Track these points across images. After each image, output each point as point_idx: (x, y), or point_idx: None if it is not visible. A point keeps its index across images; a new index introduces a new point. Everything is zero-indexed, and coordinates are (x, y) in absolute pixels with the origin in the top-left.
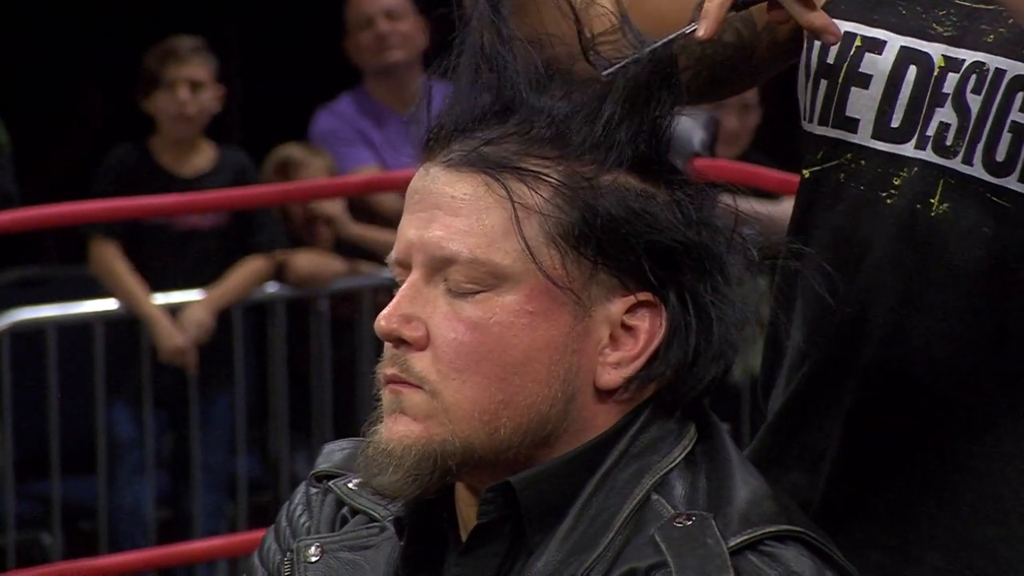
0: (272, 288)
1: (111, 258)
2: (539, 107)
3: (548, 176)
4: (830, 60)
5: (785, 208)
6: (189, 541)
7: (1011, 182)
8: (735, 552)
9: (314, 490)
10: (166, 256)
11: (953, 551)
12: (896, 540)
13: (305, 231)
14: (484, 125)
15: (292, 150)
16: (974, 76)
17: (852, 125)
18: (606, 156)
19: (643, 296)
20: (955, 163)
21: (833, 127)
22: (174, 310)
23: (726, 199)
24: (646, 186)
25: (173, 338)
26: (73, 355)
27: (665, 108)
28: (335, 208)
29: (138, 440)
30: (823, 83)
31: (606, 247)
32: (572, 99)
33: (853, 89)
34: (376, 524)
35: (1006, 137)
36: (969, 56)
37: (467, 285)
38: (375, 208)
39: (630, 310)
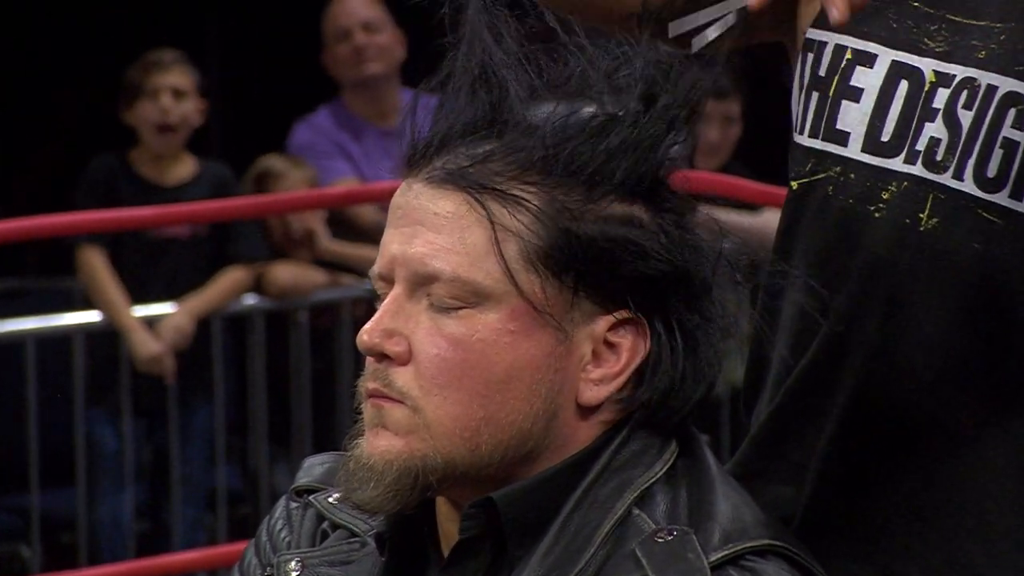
0: (252, 300)
1: (97, 266)
2: (531, 129)
3: (529, 202)
4: (822, 72)
5: (766, 219)
6: (169, 553)
7: (1002, 198)
8: (716, 567)
9: (294, 504)
10: (145, 266)
11: (935, 568)
12: (878, 555)
13: (285, 243)
14: (470, 142)
15: (273, 161)
16: (965, 92)
17: (842, 138)
18: (596, 189)
19: (625, 315)
20: (945, 178)
21: (823, 139)
22: (151, 322)
23: (707, 212)
24: (630, 210)
25: (149, 346)
26: (52, 367)
27: (675, 148)
28: (314, 222)
29: (117, 452)
30: (815, 95)
31: (586, 274)
32: (568, 122)
33: (844, 102)
34: (357, 539)
35: (997, 153)
36: (960, 72)
37: (450, 301)
38: (354, 221)
39: (613, 327)
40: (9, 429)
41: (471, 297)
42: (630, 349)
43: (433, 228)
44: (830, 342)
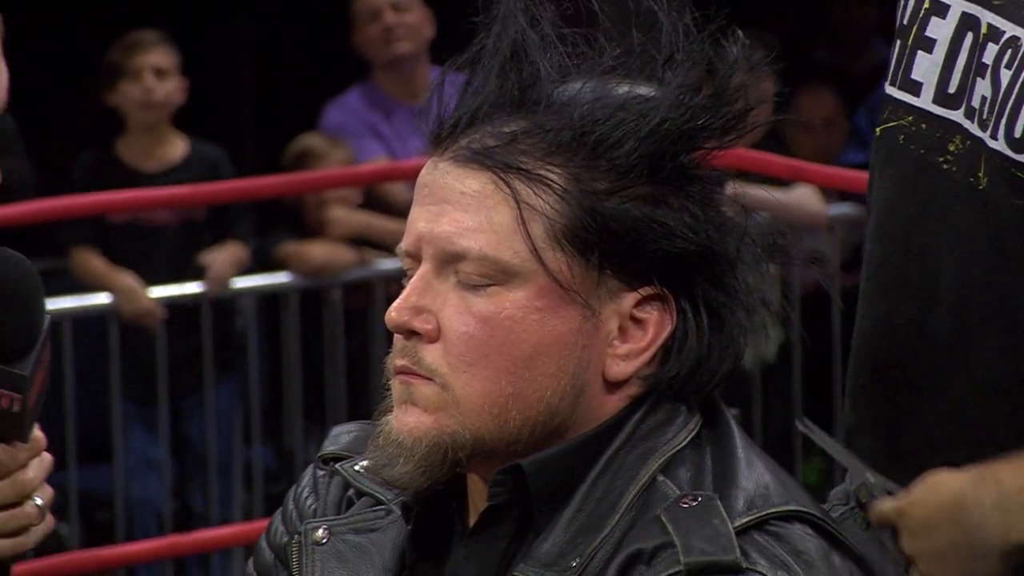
0: (285, 278)
1: (92, 263)
2: (559, 110)
3: (554, 182)
4: (905, 21)
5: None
6: (204, 529)
7: None
8: (741, 532)
9: (321, 472)
10: (138, 256)
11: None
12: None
13: (318, 223)
14: (497, 121)
15: (312, 140)
16: (1010, 50)
17: (915, 88)
18: (622, 170)
19: (651, 291)
20: (987, 136)
21: (900, 88)
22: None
23: (735, 188)
24: (656, 190)
25: (141, 299)
26: (88, 346)
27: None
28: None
29: (152, 430)
30: (897, 43)
31: (611, 252)
32: (597, 105)
33: (919, 53)
34: (382, 507)
35: None
36: (1009, 29)
37: (477, 279)
38: (386, 199)
39: (639, 304)
40: (46, 408)
41: (498, 275)
42: (656, 324)
43: (460, 207)
44: (904, 287)
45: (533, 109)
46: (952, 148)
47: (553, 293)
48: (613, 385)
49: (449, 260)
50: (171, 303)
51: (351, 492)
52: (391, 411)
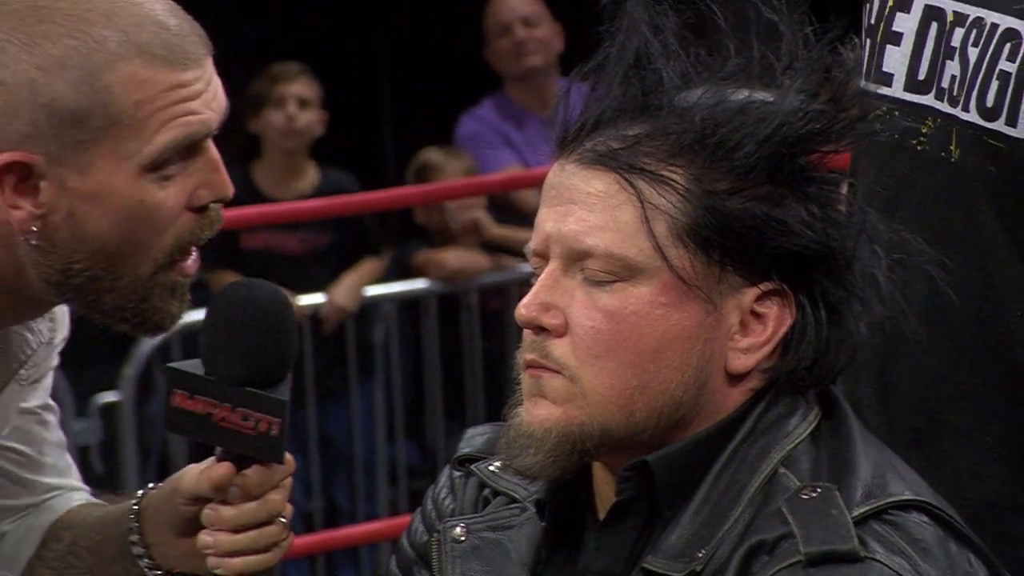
0: (424, 285)
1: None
2: (681, 114)
3: (676, 182)
4: (872, 21)
5: None
6: (353, 525)
7: (1000, 125)
8: (859, 521)
9: (457, 473)
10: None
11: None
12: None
13: (448, 231)
14: (621, 124)
15: (431, 154)
16: (975, 30)
17: (887, 79)
18: (742, 171)
19: (771, 286)
20: (958, 111)
21: (873, 81)
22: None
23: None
24: (775, 190)
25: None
26: None
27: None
28: (477, 212)
29: (300, 431)
30: (868, 42)
31: (732, 250)
32: (718, 109)
33: (888, 47)
34: (517, 504)
35: (994, 84)
36: (973, 12)
37: (603, 275)
38: (516, 206)
39: (759, 299)
40: None
41: (624, 271)
42: (776, 319)
43: (586, 207)
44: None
45: (655, 114)
46: (924, 130)
47: (676, 289)
48: (735, 378)
49: (576, 258)
50: (315, 312)
51: (486, 491)
52: (521, 404)
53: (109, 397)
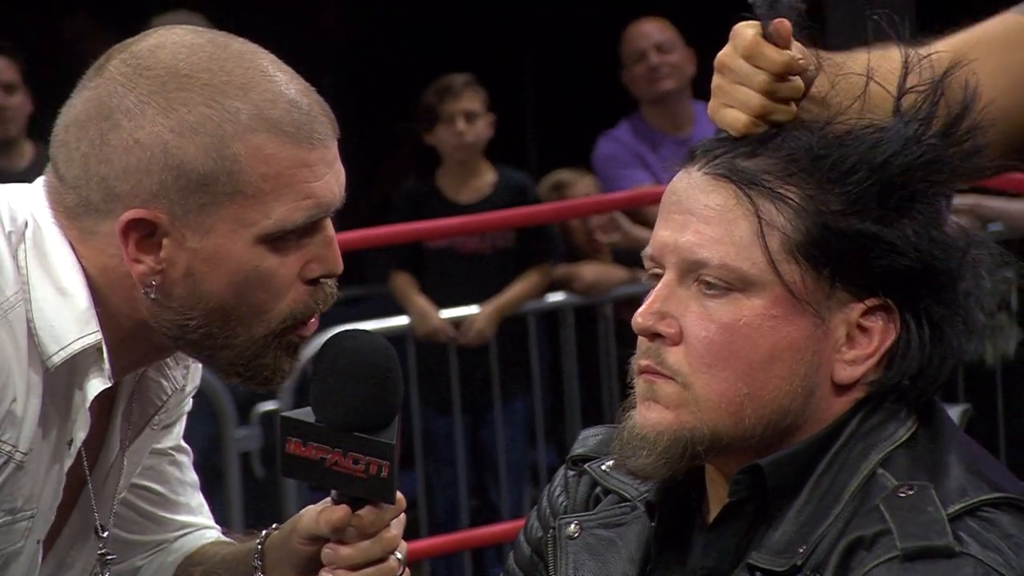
0: (561, 297)
1: (405, 285)
2: (800, 136)
3: (792, 199)
4: None
5: None
6: (497, 523)
7: None
8: (954, 518)
9: (571, 473)
10: (452, 280)
11: None
12: None
13: (586, 244)
14: (743, 142)
15: (563, 174)
16: None
17: None
18: (854, 192)
19: (877, 302)
20: None
21: None
22: (457, 323)
23: (969, 201)
24: (884, 212)
25: (430, 321)
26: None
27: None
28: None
29: (449, 438)
30: None
31: (842, 267)
32: (832, 132)
33: None
34: (627, 503)
35: None
36: None
37: (718, 287)
38: (649, 221)
39: (866, 313)
40: None
41: (738, 283)
42: (881, 333)
43: (703, 219)
44: None
45: (776, 133)
46: None
47: (787, 302)
48: (841, 388)
49: (691, 268)
50: (461, 323)
51: (598, 490)
52: (635, 407)
53: (269, 406)
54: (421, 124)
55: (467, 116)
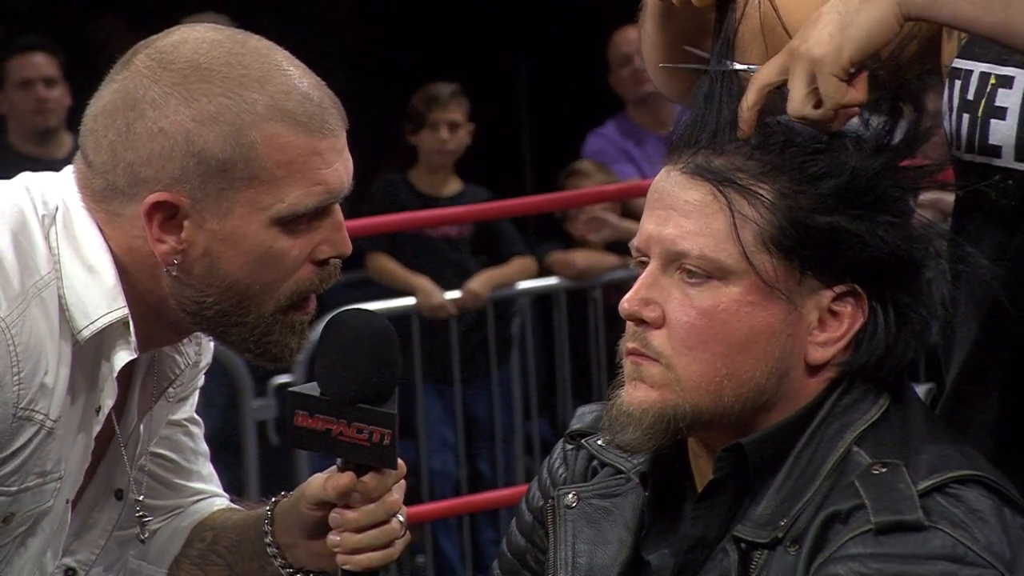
0: (555, 281)
1: (390, 266)
2: (771, 136)
3: (765, 196)
4: (970, 96)
5: None
6: (492, 490)
7: None
8: (923, 494)
9: (569, 447)
10: (424, 262)
11: None
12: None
13: (581, 232)
14: (721, 142)
15: (585, 164)
16: None
17: (996, 151)
18: (822, 191)
19: (847, 288)
20: None
21: (979, 154)
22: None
23: (932, 195)
24: (853, 210)
25: (436, 297)
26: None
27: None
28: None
29: (447, 410)
30: (965, 117)
31: (812, 258)
32: (799, 135)
33: (992, 121)
34: (622, 475)
35: None
36: None
37: (698, 275)
38: (636, 213)
39: (836, 299)
40: None
41: (716, 272)
42: (850, 317)
43: (683, 213)
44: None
45: (749, 138)
46: None
47: (761, 290)
48: (813, 369)
49: (673, 258)
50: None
51: (595, 463)
52: (623, 386)
53: (283, 379)
54: (408, 125)
55: (451, 126)
